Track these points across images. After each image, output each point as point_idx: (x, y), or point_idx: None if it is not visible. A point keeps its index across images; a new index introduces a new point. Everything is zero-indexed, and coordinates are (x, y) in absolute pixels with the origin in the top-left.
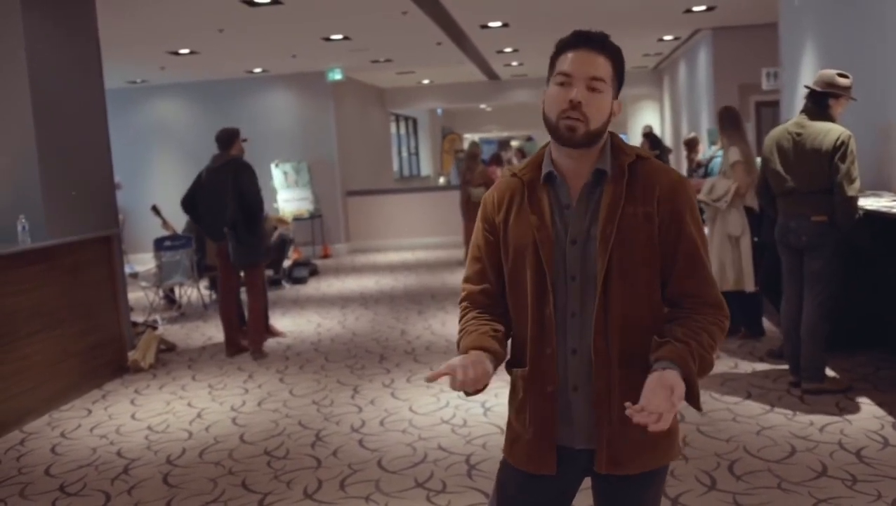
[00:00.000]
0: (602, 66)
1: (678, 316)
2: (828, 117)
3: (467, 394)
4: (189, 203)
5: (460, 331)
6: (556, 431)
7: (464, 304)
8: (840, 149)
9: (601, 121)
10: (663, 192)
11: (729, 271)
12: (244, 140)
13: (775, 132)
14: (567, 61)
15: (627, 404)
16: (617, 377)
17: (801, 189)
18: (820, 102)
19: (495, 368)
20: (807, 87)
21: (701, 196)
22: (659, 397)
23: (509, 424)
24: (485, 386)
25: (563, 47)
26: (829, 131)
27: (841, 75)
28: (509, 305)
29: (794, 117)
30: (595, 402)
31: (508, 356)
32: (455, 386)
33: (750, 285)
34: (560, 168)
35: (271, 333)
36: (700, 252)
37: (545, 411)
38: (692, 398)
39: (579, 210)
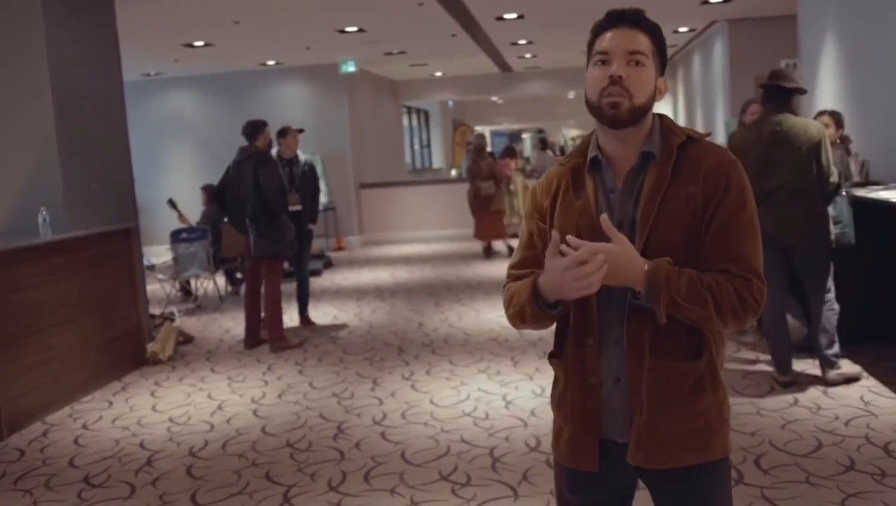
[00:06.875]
0: (641, 40)
1: None
2: (793, 112)
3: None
4: (220, 195)
5: (510, 299)
6: (600, 424)
7: (510, 284)
8: (822, 145)
9: (645, 95)
10: (709, 170)
11: None
12: (300, 131)
13: (742, 133)
14: (605, 40)
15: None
16: (647, 366)
17: (785, 187)
18: (787, 99)
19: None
20: (774, 84)
21: None
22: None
23: (554, 419)
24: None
25: (599, 29)
26: (808, 127)
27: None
28: None
29: (779, 115)
30: (629, 391)
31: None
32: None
33: None
34: (606, 152)
35: (307, 323)
36: (738, 230)
37: (587, 404)
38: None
39: (625, 193)
